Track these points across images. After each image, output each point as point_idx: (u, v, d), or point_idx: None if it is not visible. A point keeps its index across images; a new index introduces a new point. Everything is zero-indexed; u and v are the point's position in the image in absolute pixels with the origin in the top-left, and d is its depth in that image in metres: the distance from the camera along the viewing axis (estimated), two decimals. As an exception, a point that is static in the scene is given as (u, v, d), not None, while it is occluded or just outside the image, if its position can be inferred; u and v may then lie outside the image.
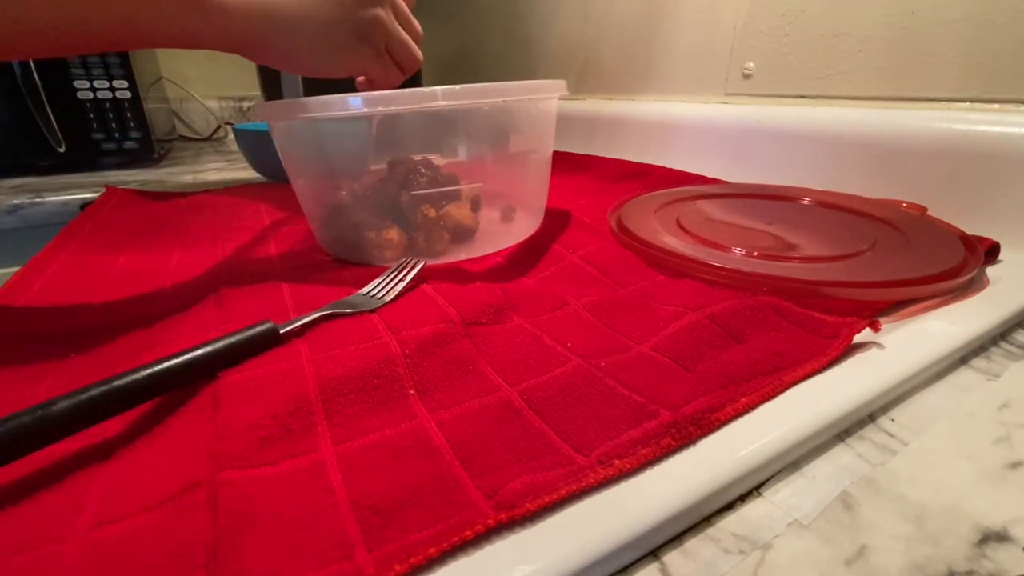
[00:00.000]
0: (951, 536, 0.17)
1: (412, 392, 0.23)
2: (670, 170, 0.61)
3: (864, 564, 0.16)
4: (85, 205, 0.62)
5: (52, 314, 0.32)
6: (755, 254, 0.35)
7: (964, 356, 0.26)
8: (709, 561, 0.16)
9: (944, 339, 0.25)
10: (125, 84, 0.79)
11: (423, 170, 0.39)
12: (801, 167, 0.53)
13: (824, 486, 0.19)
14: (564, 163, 0.72)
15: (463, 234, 0.40)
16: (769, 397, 0.21)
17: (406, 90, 0.32)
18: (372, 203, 0.39)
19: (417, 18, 0.41)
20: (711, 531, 0.18)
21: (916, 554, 0.16)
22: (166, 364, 0.22)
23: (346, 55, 0.36)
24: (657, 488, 0.17)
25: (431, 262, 0.37)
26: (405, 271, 0.34)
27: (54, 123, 0.75)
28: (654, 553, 0.17)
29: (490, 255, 0.40)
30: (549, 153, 0.44)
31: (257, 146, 0.69)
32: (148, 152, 0.84)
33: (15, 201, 0.63)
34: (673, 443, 0.19)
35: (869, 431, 0.22)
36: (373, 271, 0.36)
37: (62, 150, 0.77)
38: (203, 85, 1.20)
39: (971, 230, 0.36)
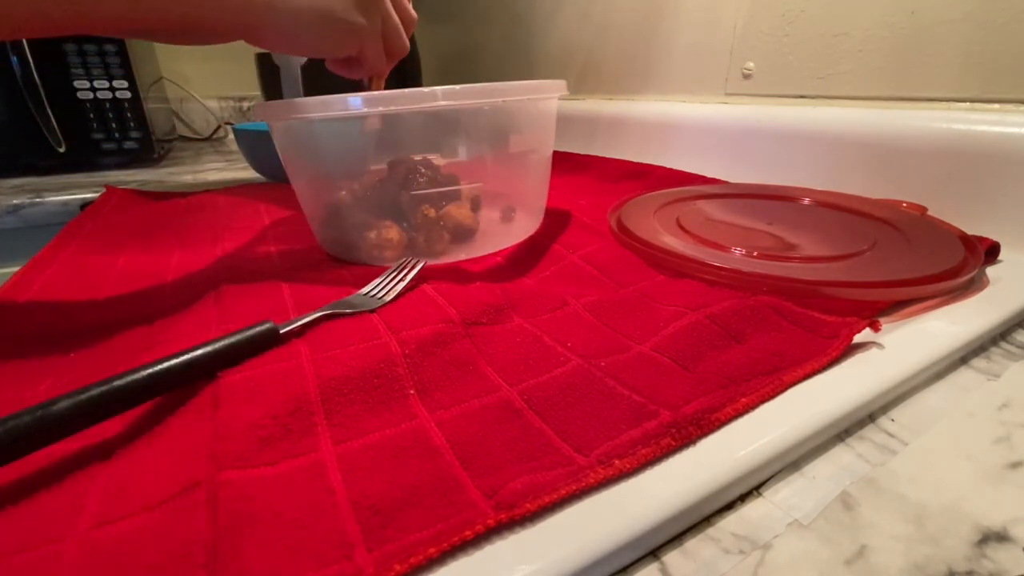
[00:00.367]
0: (951, 536, 0.17)
1: (412, 392, 0.23)
2: (670, 170, 0.61)
3: (864, 564, 0.16)
4: (85, 205, 0.62)
5: (52, 314, 0.32)
6: (755, 254, 0.35)
7: (964, 356, 0.26)
8: (709, 561, 0.16)
9: (944, 339, 0.25)
10: (125, 84, 0.79)
11: (423, 170, 0.39)
12: (801, 167, 0.53)
13: (824, 486, 0.19)
14: (564, 163, 0.72)
15: (463, 234, 0.40)
16: (769, 397, 0.21)
17: (406, 90, 0.32)
18: (372, 203, 0.39)
19: (418, 18, 0.41)
20: (711, 531, 0.18)
21: (916, 554, 0.16)
22: (166, 364, 0.22)
23: (346, 32, 0.36)
24: (657, 488, 0.17)
25: (431, 262, 0.37)
26: (405, 271, 0.34)
27: (54, 123, 0.75)
28: (654, 553, 0.17)
29: (490, 255, 0.40)
30: (549, 153, 0.44)
31: (257, 146, 0.69)
32: (148, 152, 0.84)
33: (15, 201, 0.63)
34: (673, 443, 0.19)
35: (869, 431, 0.22)
36: (373, 271, 0.36)
37: (62, 150, 0.77)
38: (203, 85, 1.20)
39: (971, 230, 0.36)
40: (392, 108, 0.33)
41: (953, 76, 0.43)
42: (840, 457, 0.20)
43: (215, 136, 1.21)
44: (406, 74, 0.97)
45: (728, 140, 0.60)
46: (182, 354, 0.23)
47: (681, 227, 0.40)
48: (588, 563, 0.15)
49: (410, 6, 0.40)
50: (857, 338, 0.25)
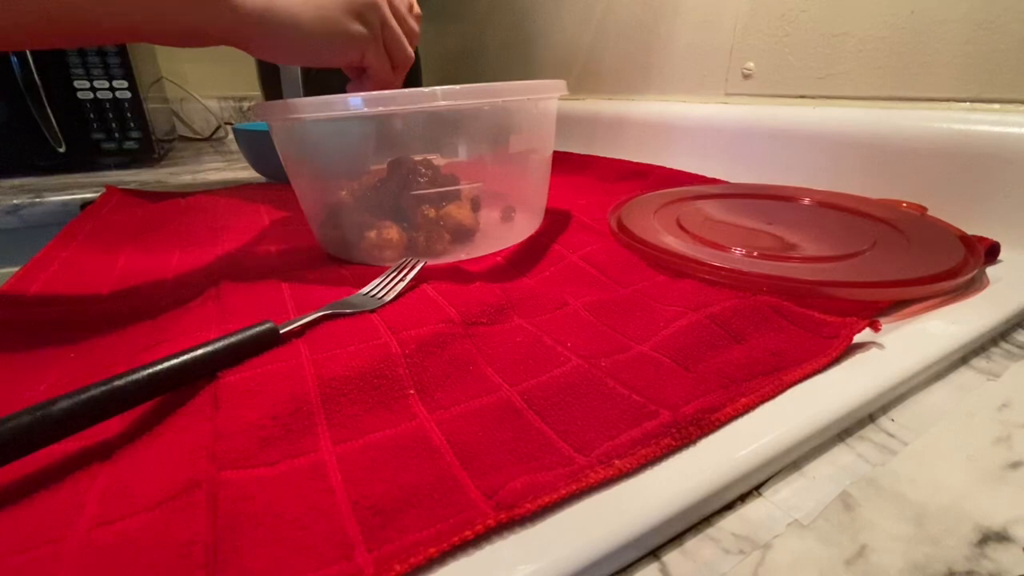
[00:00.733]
0: (951, 536, 0.17)
1: (412, 392, 0.23)
2: (670, 170, 0.61)
3: (864, 564, 0.16)
4: (85, 205, 0.62)
5: (52, 314, 0.32)
6: (755, 254, 0.35)
7: (964, 356, 0.26)
8: (709, 561, 0.16)
9: (944, 339, 0.25)
10: (125, 84, 0.79)
11: (423, 170, 0.39)
12: (801, 167, 0.53)
13: (824, 486, 0.19)
14: (564, 163, 0.72)
15: (463, 234, 0.40)
16: (769, 397, 0.21)
17: (406, 90, 0.32)
18: (372, 203, 0.39)
19: (420, 32, 0.41)
20: (711, 531, 0.18)
21: (916, 554, 0.16)
22: (166, 364, 0.22)
23: (345, 40, 0.36)
24: (657, 488, 0.17)
25: (431, 262, 0.37)
26: (405, 271, 0.34)
27: (54, 123, 0.75)
28: (654, 553, 0.17)
29: (490, 255, 0.40)
30: (549, 153, 0.44)
31: (257, 146, 0.69)
32: (148, 152, 0.84)
33: (15, 201, 0.63)
34: (673, 443, 0.19)
35: (869, 431, 0.22)
36: (373, 271, 0.36)
37: (62, 150, 0.77)
38: (203, 85, 1.20)
39: (971, 230, 0.36)
40: (392, 108, 0.33)
41: (953, 76, 0.43)
42: (840, 457, 0.20)
43: (215, 136, 1.21)
44: (406, 74, 0.97)
45: (728, 140, 0.60)
46: (182, 354, 0.23)
47: (681, 227, 0.40)
48: (588, 563, 0.15)
49: (412, 20, 0.40)
50: (857, 338, 0.25)
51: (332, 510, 0.16)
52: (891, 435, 0.21)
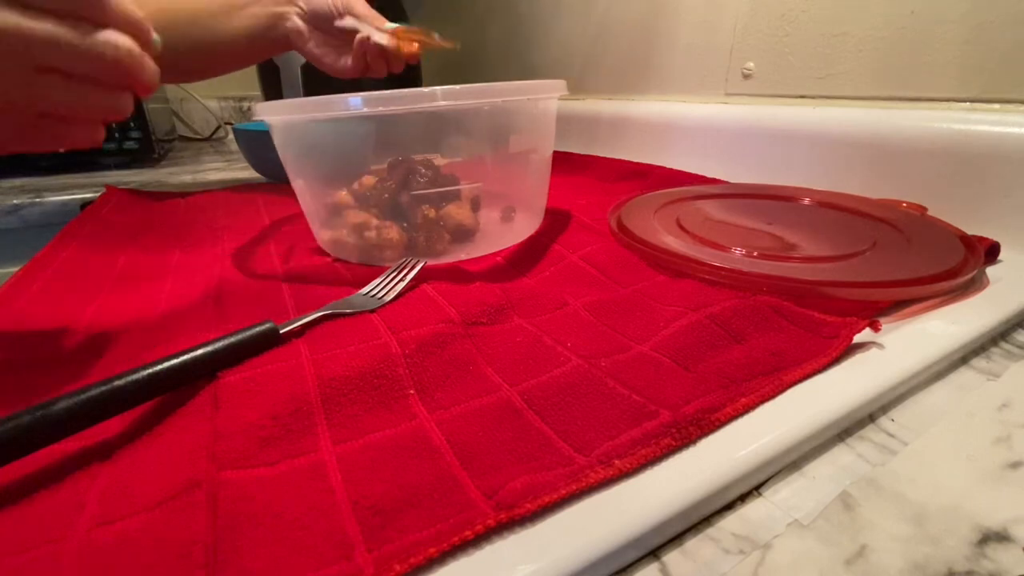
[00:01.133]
0: (951, 536, 0.17)
1: (412, 392, 0.23)
2: (670, 170, 0.61)
3: (864, 564, 0.16)
4: (85, 205, 0.62)
5: (52, 314, 0.32)
6: (755, 254, 0.35)
7: (964, 356, 0.26)
8: (709, 561, 0.16)
9: (944, 339, 0.25)
10: (125, 84, 0.79)
11: (423, 170, 0.39)
12: (801, 167, 0.53)
13: (824, 486, 0.19)
14: (564, 163, 0.72)
15: (463, 234, 0.40)
16: (769, 397, 0.21)
17: (406, 90, 0.32)
18: (372, 203, 0.39)
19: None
20: (711, 531, 0.18)
21: (916, 554, 0.16)
22: (166, 364, 0.22)
23: None
24: (657, 488, 0.17)
25: (431, 262, 0.37)
26: (405, 271, 0.34)
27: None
28: (654, 553, 0.17)
29: (490, 255, 0.40)
30: (549, 153, 0.44)
31: (257, 146, 0.69)
32: (148, 152, 0.84)
33: (15, 201, 0.63)
34: (673, 443, 0.19)
35: (869, 431, 0.22)
36: (373, 271, 0.36)
37: (62, 150, 0.77)
38: (203, 85, 1.19)
39: (971, 230, 0.36)
40: (392, 108, 0.33)
41: (953, 76, 0.43)
42: (840, 457, 0.20)
43: (215, 136, 1.21)
44: (406, 74, 0.97)
45: (728, 140, 0.60)
46: (182, 354, 0.23)
47: (681, 227, 0.40)
48: (588, 563, 0.15)
49: (116, 5, 0.23)
50: (857, 338, 0.25)
51: (332, 510, 0.16)
52: (891, 435, 0.21)
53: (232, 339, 0.24)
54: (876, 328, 0.25)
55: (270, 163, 0.69)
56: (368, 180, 0.40)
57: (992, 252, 0.34)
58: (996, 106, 0.41)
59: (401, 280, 0.33)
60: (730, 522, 0.18)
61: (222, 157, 0.98)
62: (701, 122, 0.64)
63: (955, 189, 0.41)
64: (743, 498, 0.19)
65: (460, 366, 0.24)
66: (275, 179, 0.72)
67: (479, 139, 0.40)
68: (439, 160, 0.41)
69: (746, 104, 0.60)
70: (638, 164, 0.64)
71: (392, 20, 0.54)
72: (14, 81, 0.22)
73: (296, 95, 0.76)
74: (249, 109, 1.26)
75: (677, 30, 0.67)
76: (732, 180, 0.56)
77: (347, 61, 0.54)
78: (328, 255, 0.41)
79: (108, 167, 0.84)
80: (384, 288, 0.32)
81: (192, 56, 0.51)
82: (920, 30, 0.44)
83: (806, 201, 0.46)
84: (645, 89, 0.74)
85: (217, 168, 0.86)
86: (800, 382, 0.22)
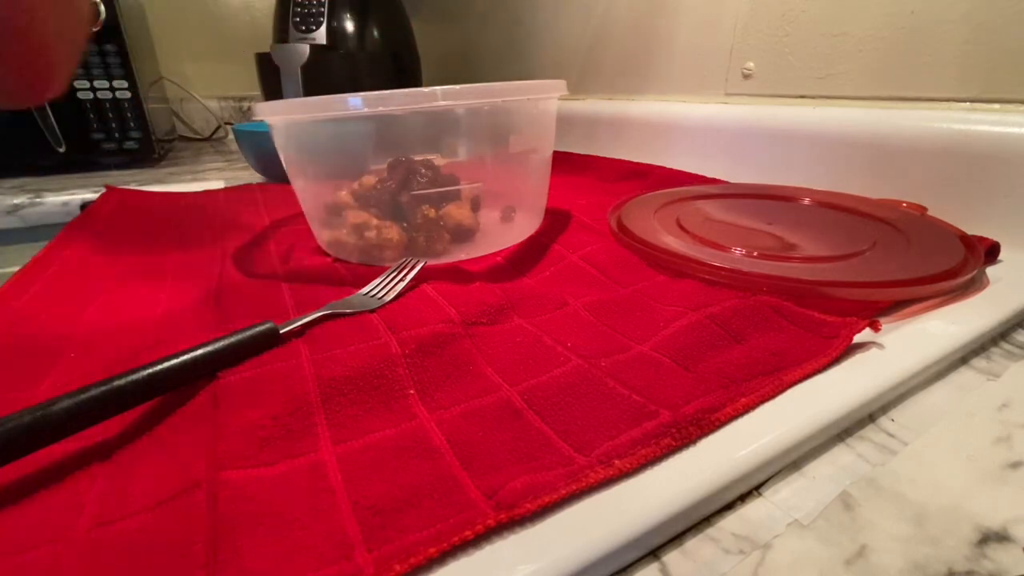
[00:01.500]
0: (951, 536, 0.17)
1: (412, 392, 0.23)
2: (670, 170, 0.61)
3: (864, 564, 0.16)
4: (85, 205, 0.62)
5: (52, 314, 0.32)
6: (755, 254, 0.35)
7: (964, 356, 0.26)
8: (709, 561, 0.16)
9: (944, 339, 0.25)
10: (125, 84, 0.79)
11: (423, 170, 0.39)
12: (801, 167, 0.53)
13: (824, 486, 0.19)
14: (564, 163, 0.72)
15: (463, 234, 0.40)
16: (769, 397, 0.21)
17: (406, 90, 0.32)
18: (372, 203, 0.39)
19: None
20: (711, 531, 0.18)
21: (916, 554, 0.16)
22: (166, 364, 0.22)
23: None
24: (657, 488, 0.17)
25: (431, 262, 0.37)
26: (405, 271, 0.34)
27: (54, 123, 0.75)
28: (654, 553, 0.17)
29: (490, 255, 0.40)
30: (549, 153, 0.44)
31: (257, 146, 0.69)
32: (148, 152, 0.84)
33: (15, 201, 0.63)
34: (673, 443, 0.19)
35: (869, 431, 0.22)
36: (373, 271, 0.36)
37: (62, 150, 0.77)
38: (203, 85, 1.20)
39: (971, 230, 0.36)
40: (392, 108, 0.33)
41: (953, 76, 0.43)
42: (840, 457, 0.20)
43: (215, 136, 1.21)
44: (406, 74, 0.97)
45: (728, 140, 0.60)
46: (182, 354, 0.23)
47: (681, 227, 0.40)
48: (588, 563, 0.15)
49: None
50: (857, 338, 0.25)
51: (332, 510, 0.16)
52: (891, 435, 0.21)
53: (232, 339, 0.24)
54: (876, 328, 0.25)
55: (270, 163, 0.69)
56: (368, 180, 0.40)
57: (992, 252, 0.34)
58: (996, 106, 0.41)
59: (401, 280, 0.33)
60: (730, 522, 0.18)
61: (222, 157, 0.98)
62: (701, 122, 0.64)
63: (955, 189, 0.41)
64: (743, 498, 0.19)
65: (460, 366, 0.24)
66: (275, 179, 0.72)
67: (479, 139, 0.40)
68: (439, 160, 0.41)
69: (746, 104, 0.60)
70: (638, 164, 0.64)
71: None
72: None
73: (296, 95, 0.76)
74: (249, 109, 1.26)
75: (677, 30, 0.67)
76: (732, 180, 0.56)
77: None
78: (328, 255, 0.41)
79: (108, 167, 0.84)
80: (384, 288, 0.32)
81: None
82: (920, 30, 0.44)
83: (806, 201, 0.46)
84: (645, 89, 0.74)
85: (217, 168, 0.86)
86: (800, 382, 0.22)
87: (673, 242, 0.38)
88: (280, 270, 0.38)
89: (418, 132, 0.39)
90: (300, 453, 0.19)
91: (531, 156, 0.42)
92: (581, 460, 0.18)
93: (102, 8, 0.27)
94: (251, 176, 0.76)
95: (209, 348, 0.23)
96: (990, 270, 0.33)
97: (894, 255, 0.33)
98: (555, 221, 0.46)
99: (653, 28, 0.70)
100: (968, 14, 0.41)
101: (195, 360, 0.23)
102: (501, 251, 0.40)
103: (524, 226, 0.44)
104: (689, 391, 0.21)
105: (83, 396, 0.19)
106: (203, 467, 0.18)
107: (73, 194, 0.65)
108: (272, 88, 0.81)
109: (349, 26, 0.87)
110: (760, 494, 0.19)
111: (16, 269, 0.39)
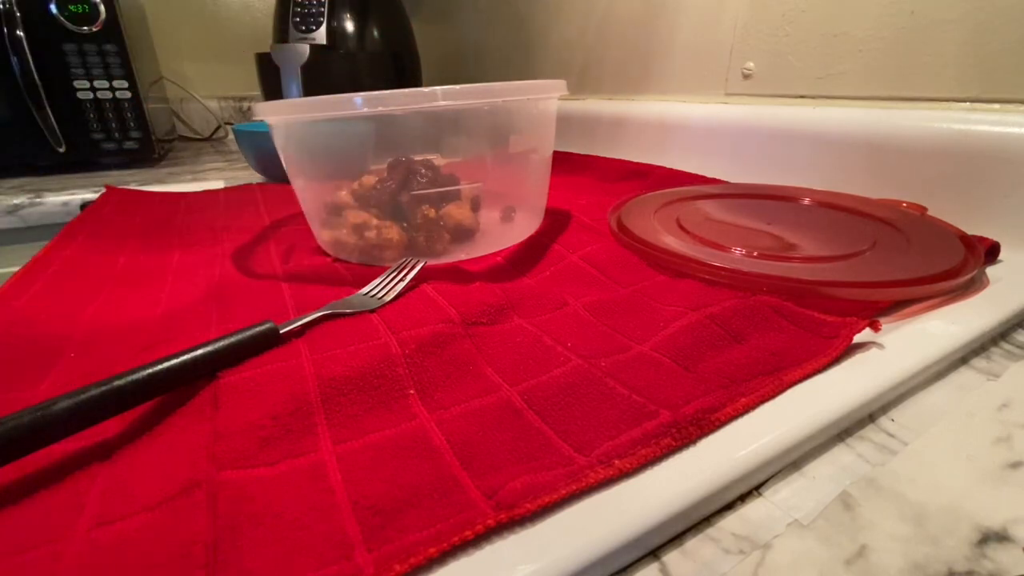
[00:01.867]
0: (951, 536, 0.17)
1: (412, 392, 0.23)
2: (670, 170, 0.61)
3: (864, 564, 0.16)
4: (85, 205, 0.62)
5: (52, 314, 0.32)
6: (755, 254, 0.35)
7: (964, 356, 0.26)
8: (709, 561, 0.16)
9: (944, 339, 0.25)
10: (125, 84, 0.79)
11: (423, 170, 0.39)
12: (801, 167, 0.53)
13: (824, 486, 0.19)
14: (564, 163, 0.72)
15: (463, 234, 0.40)
16: (769, 397, 0.21)
17: (406, 90, 0.32)
18: (372, 203, 0.39)
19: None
20: (711, 531, 0.18)
21: (916, 554, 0.16)
22: (166, 364, 0.22)
23: None
24: (657, 488, 0.17)
25: (431, 262, 0.37)
26: (405, 271, 0.34)
27: (54, 123, 0.75)
28: (654, 553, 0.17)
29: (490, 255, 0.40)
30: (549, 153, 0.44)
31: (257, 146, 0.69)
32: (148, 152, 0.84)
33: (15, 201, 0.63)
34: (673, 443, 0.19)
35: (869, 431, 0.22)
36: (373, 271, 0.36)
37: (62, 150, 0.77)
38: (203, 85, 1.20)
39: (971, 230, 0.36)
40: (392, 108, 0.33)
41: (953, 76, 0.43)
42: (840, 457, 0.20)
43: (215, 136, 1.21)
44: (406, 74, 0.97)
45: (728, 140, 0.60)
46: (182, 354, 0.23)
47: (681, 227, 0.40)
48: (588, 563, 0.15)
49: None
50: (857, 338, 0.25)
51: (332, 510, 0.16)
52: (891, 435, 0.21)
53: (232, 339, 0.24)
54: (876, 328, 0.25)
55: (270, 163, 0.69)
56: (368, 180, 0.40)
57: (992, 252, 0.34)
58: (996, 106, 0.41)
59: (401, 280, 0.33)
60: (730, 522, 0.18)
61: (222, 157, 0.98)
62: (701, 122, 0.64)
63: (955, 189, 0.41)
64: (743, 498, 0.19)
65: (460, 366, 0.24)
66: (275, 179, 0.72)
67: (479, 139, 0.40)
68: (439, 160, 0.41)
69: (746, 104, 0.60)
70: (638, 164, 0.64)
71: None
72: None
73: (296, 95, 0.76)
74: (249, 109, 1.26)
75: (677, 30, 0.67)
76: (732, 180, 0.56)
77: None
78: (328, 255, 0.41)
79: (108, 167, 0.84)
80: (384, 288, 0.32)
81: None
82: (920, 30, 0.44)
83: (806, 201, 0.46)
84: (645, 89, 0.74)
85: (217, 168, 0.86)
86: (800, 382, 0.22)
87: (673, 242, 0.38)
88: (280, 270, 0.38)
89: (418, 132, 0.39)
90: (300, 453, 0.19)
91: (531, 156, 0.42)
92: (581, 460, 0.18)
93: None
94: (251, 176, 0.76)
95: (209, 348, 0.23)
96: (990, 270, 0.33)
97: (894, 255, 0.33)
98: (555, 221, 0.46)
99: (653, 28, 0.70)
100: (967, 14, 0.41)
101: (195, 360, 0.23)
102: (501, 251, 0.40)
103: (524, 226, 0.44)
104: (689, 391, 0.21)
105: (83, 396, 0.19)
106: (203, 467, 0.18)
107: (73, 194, 0.65)
108: (272, 88, 0.81)
109: (349, 26, 0.88)
110: (760, 494, 0.19)
111: (16, 269, 0.39)
